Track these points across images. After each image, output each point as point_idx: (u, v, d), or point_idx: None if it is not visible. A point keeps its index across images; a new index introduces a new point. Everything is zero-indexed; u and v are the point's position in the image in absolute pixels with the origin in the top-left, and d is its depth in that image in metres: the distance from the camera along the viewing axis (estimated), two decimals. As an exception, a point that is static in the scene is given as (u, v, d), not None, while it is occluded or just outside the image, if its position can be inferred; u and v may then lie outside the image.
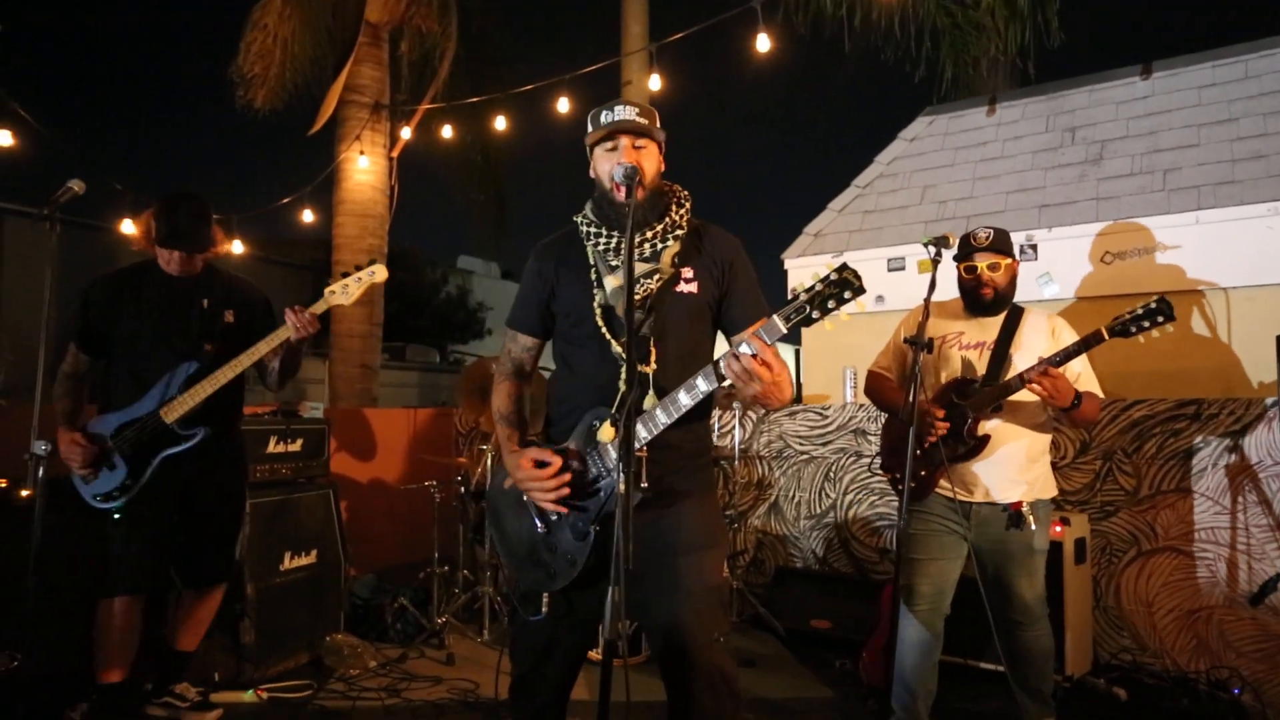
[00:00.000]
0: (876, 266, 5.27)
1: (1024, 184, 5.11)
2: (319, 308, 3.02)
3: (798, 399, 5.54)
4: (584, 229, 2.10)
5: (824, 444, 4.93)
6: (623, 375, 1.95)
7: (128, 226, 6.72)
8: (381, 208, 7.85)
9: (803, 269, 5.55)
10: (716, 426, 5.21)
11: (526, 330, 2.21)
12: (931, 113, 5.93)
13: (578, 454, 2.00)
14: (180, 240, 3.11)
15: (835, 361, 5.31)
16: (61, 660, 3.19)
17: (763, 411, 5.18)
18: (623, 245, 1.97)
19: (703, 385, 1.83)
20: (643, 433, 1.89)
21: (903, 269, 5.15)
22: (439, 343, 20.29)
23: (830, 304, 1.70)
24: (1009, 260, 2.94)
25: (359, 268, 3.09)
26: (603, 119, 2.03)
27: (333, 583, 4.17)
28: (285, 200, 7.77)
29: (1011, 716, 3.05)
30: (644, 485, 1.85)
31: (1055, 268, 4.68)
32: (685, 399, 1.85)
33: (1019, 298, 3.08)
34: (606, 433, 1.94)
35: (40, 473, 2.59)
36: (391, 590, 4.60)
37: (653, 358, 1.96)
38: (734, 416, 5.08)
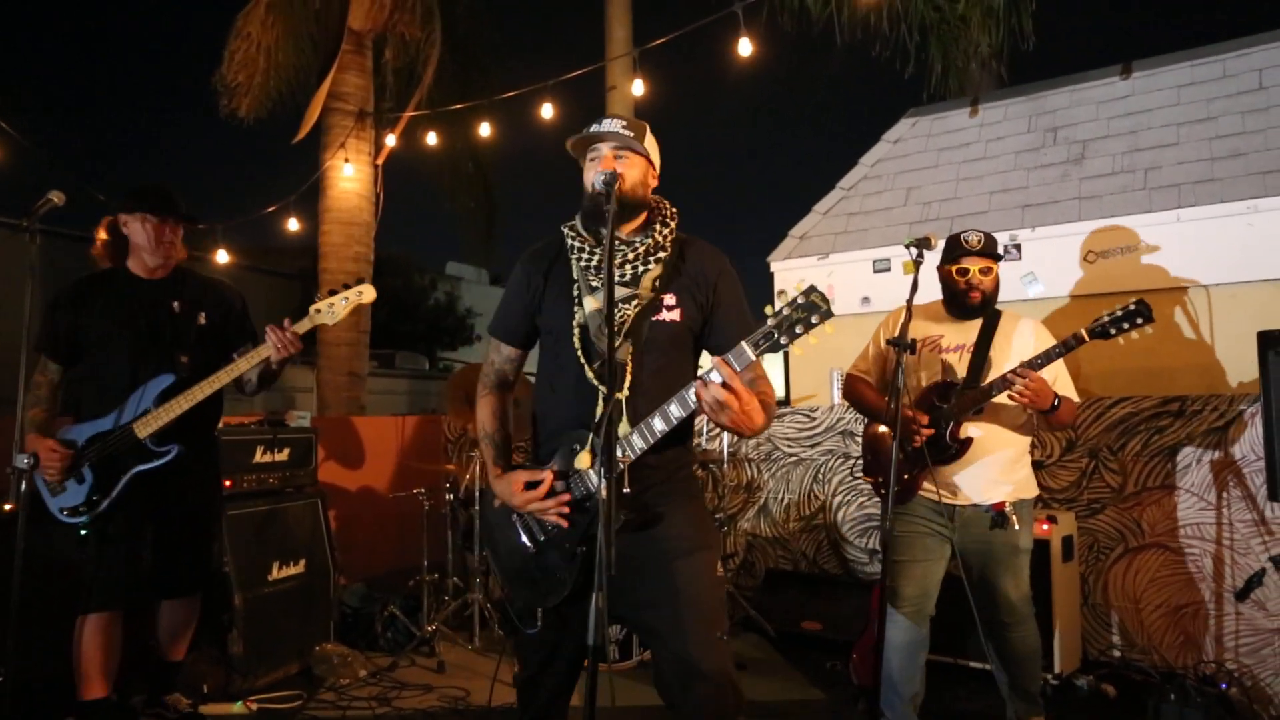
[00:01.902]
0: (862, 268, 5.29)
1: (1007, 184, 5.14)
2: (303, 326, 2.92)
3: (785, 401, 5.55)
4: (570, 241, 2.09)
5: (812, 446, 4.94)
6: (600, 396, 1.94)
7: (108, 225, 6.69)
8: (368, 215, 7.83)
9: (788, 272, 5.56)
10: (705, 430, 5.22)
11: (509, 340, 2.21)
12: (914, 114, 5.95)
13: (563, 476, 2.02)
14: (170, 204, 3.06)
15: (822, 363, 5.33)
16: (46, 673, 3.16)
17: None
18: (603, 264, 1.96)
19: (676, 411, 1.86)
20: (619, 455, 1.89)
21: (888, 270, 5.17)
22: (428, 349, 20.25)
23: (798, 329, 1.72)
24: (997, 265, 2.97)
25: (347, 286, 2.99)
26: (591, 130, 2.04)
27: (322, 592, 4.15)
28: (270, 209, 7.74)
29: (1000, 715, 3.06)
30: (626, 490, 1.86)
31: (1039, 267, 4.71)
32: (659, 424, 1.88)
33: (1003, 298, 3.10)
34: (583, 460, 1.96)
35: (23, 486, 2.58)
36: (381, 598, 4.58)
37: (627, 384, 1.95)
38: (722, 419, 5.07)
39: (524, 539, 2.09)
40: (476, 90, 8.12)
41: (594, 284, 2.02)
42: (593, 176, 2.00)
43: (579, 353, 2.00)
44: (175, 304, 3.12)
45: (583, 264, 2.05)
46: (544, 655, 2.15)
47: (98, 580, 2.95)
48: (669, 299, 2.03)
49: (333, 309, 2.94)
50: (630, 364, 1.97)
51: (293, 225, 7.76)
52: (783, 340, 1.73)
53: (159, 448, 2.94)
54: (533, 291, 2.13)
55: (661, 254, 2.04)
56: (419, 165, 9.18)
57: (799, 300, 1.72)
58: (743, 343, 1.76)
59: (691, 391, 1.81)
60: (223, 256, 7.60)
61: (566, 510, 1.98)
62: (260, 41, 7.63)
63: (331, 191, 7.67)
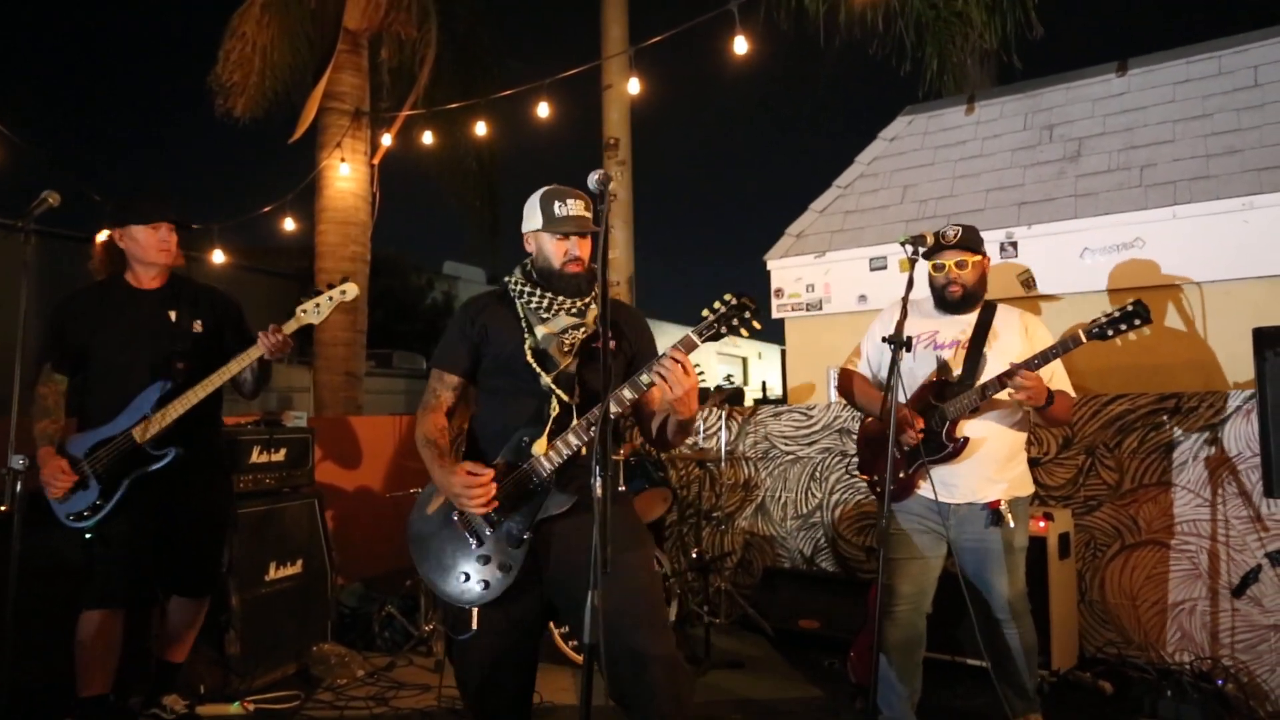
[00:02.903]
0: (859, 266, 5.29)
1: (1003, 182, 5.14)
2: (290, 327, 3.03)
3: (782, 399, 5.56)
4: (515, 289, 2.37)
5: (809, 444, 4.94)
6: (552, 401, 2.22)
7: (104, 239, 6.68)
8: (364, 215, 7.82)
9: (785, 270, 5.56)
10: (702, 428, 5.22)
11: (455, 370, 2.42)
12: (911, 112, 5.95)
13: (506, 467, 2.22)
14: (160, 209, 3.10)
15: (819, 362, 5.33)
16: (44, 677, 3.16)
17: (748, 412, 5.19)
18: (555, 305, 2.30)
19: (628, 395, 2.10)
20: (574, 440, 2.15)
21: (884, 268, 5.17)
22: (425, 349, 20.24)
23: (734, 321, 2.02)
24: (978, 257, 2.96)
25: (331, 285, 3.09)
26: (557, 212, 2.29)
27: (319, 592, 4.15)
28: (266, 209, 7.72)
29: (998, 713, 3.07)
30: (622, 489, 1.90)
31: (1035, 264, 4.71)
32: (613, 408, 2.08)
33: (1000, 296, 3.10)
34: (540, 446, 2.18)
35: (18, 488, 2.57)
36: (379, 598, 4.58)
37: (576, 392, 2.25)
38: (719, 418, 5.09)
39: (468, 535, 2.22)
40: (475, 89, 8.11)
41: (544, 316, 2.31)
42: (558, 251, 2.30)
43: (534, 366, 2.25)
44: (172, 314, 3.18)
45: (531, 305, 2.33)
46: (487, 666, 2.28)
47: (99, 576, 3.01)
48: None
49: (318, 308, 3.05)
50: (578, 376, 2.27)
51: (289, 225, 7.75)
52: (723, 330, 2.02)
53: (157, 451, 3.01)
54: (478, 328, 2.37)
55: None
56: (416, 165, 9.17)
57: (731, 302, 2.02)
58: (689, 332, 2.04)
59: (644, 376, 2.06)
60: (219, 257, 7.60)
61: (495, 503, 2.16)
62: (255, 41, 7.61)
63: (327, 191, 7.66)
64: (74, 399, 3.15)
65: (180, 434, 3.03)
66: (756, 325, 2.01)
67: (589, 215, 2.31)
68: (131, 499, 3.00)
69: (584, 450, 2.16)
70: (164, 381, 3.04)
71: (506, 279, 2.43)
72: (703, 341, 2.03)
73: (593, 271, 2.34)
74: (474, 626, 2.19)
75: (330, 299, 3.05)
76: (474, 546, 2.21)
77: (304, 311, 3.04)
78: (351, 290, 3.09)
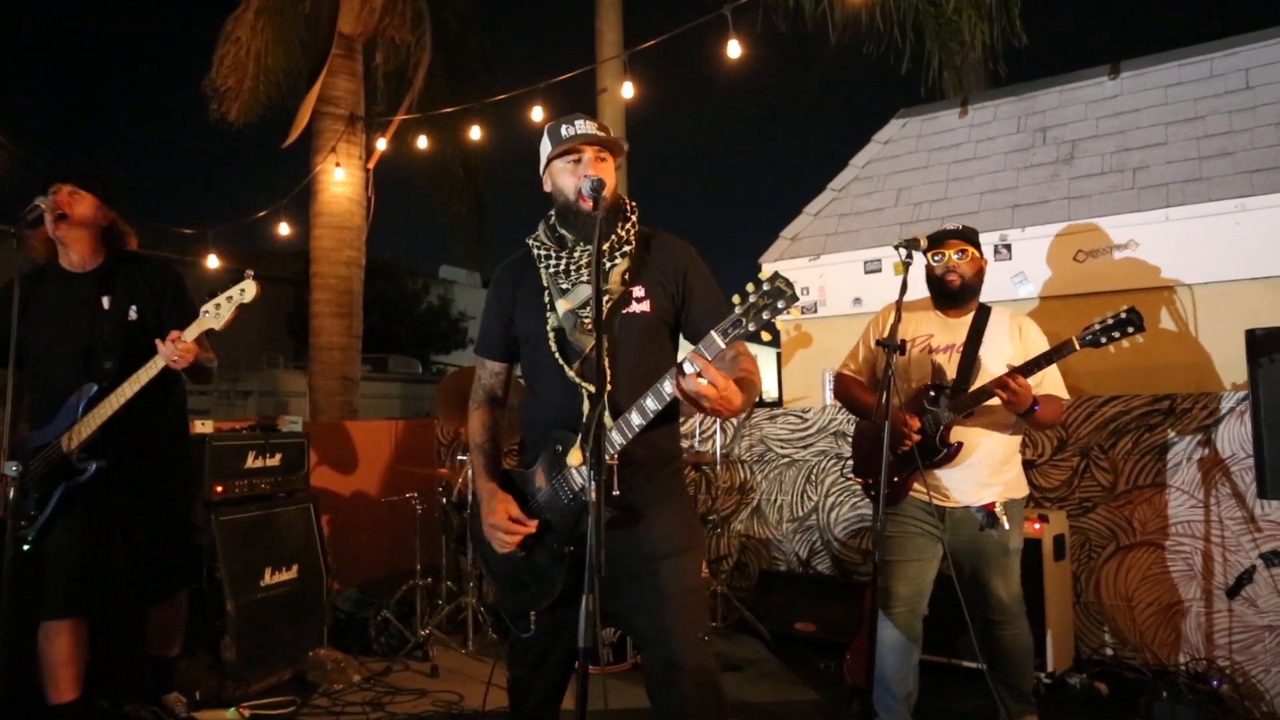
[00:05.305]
0: (853, 269, 5.29)
1: (997, 184, 5.15)
2: (191, 333, 2.82)
3: (778, 402, 5.56)
4: (536, 251, 2.11)
5: (805, 447, 4.94)
6: (582, 397, 1.99)
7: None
8: (359, 219, 7.82)
9: (780, 273, 5.55)
10: (698, 431, 5.22)
11: (493, 356, 2.26)
12: (904, 115, 5.96)
13: (545, 480, 2.06)
14: (66, 173, 2.93)
15: (814, 364, 5.33)
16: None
17: (744, 415, 5.20)
18: (572, 267, 2.02)
19: (652, 404, 1.88)
20: (607, 448, 1.91)
21: (879, 271, 5.18)
22: (421, 353, 20.25)
23: (765, 315, 1.72)
24: (976, 252, 2.97)
25: (233, 283, 2.88)
26: (564, 133, 2.03)
27: (315, 597, 4.14)
28: (261, 214, 7.73)
29: (994, 715, 3.07)
30: (615, 493, 1.88)
31: (1029, 267, 4.72)
32: (637, 419, 1.89)
33: (994, 298, 3.10)
34: (574, 456, 1.97)
35: (11, 494, 2.57)
36: (375, 603, 4.58)
37: (607, 379, 1.93)
38: (715, 421, 5.08)
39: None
40: (467, 94, 8.12)
41: (565, 287, 2.05)
42: (574, 180, 2.02)
43: (556, 355, 2.03)
44: (105, 300, 3.00)
45: (551, 270, 2.07)
46: (534, 657, 2.19)
47: (48, 590, 2.90)
48: (637, 291, 2.05)
49: (219, 310, 2.84)
50: (607, 360, 1.96)
51: (284, 230, 7.75)
52: (750, 326, 1.73)
53: (81, 464, 2.86)
54: (505, 304, 2.18)
55: (627, 248, 2.05)
56: (411, 169, 9.18)
57: (765, 287, 1.73)
58: (712, 332, 1.76)
59: (666, 384, 1.83)
60: (213, 261, 7.60)
61: (516, 550, 2.04)
62: (250, 46, 7.61)
63: (322, 195, 7.66)
64: (24, 396, 3.01)
65: (116, 440, 2.87)
66: (794, 313, 1.77)
67: (604, 135, 2.03)
68: (68, 511, 2.87)
69: (616, 460, 1.94)
70: (93, 384, 2.87)
71: (529, 239, 2.15)
72: (727, 342, 1.74)
73: (618, 204, 2.05)
74: (533, 627, 2.11)
75: (230, 299, 2.82)
76: (521, 554, 2.10)
77: (206, 313, 2.84)
78: (250, 290, 2.81)
